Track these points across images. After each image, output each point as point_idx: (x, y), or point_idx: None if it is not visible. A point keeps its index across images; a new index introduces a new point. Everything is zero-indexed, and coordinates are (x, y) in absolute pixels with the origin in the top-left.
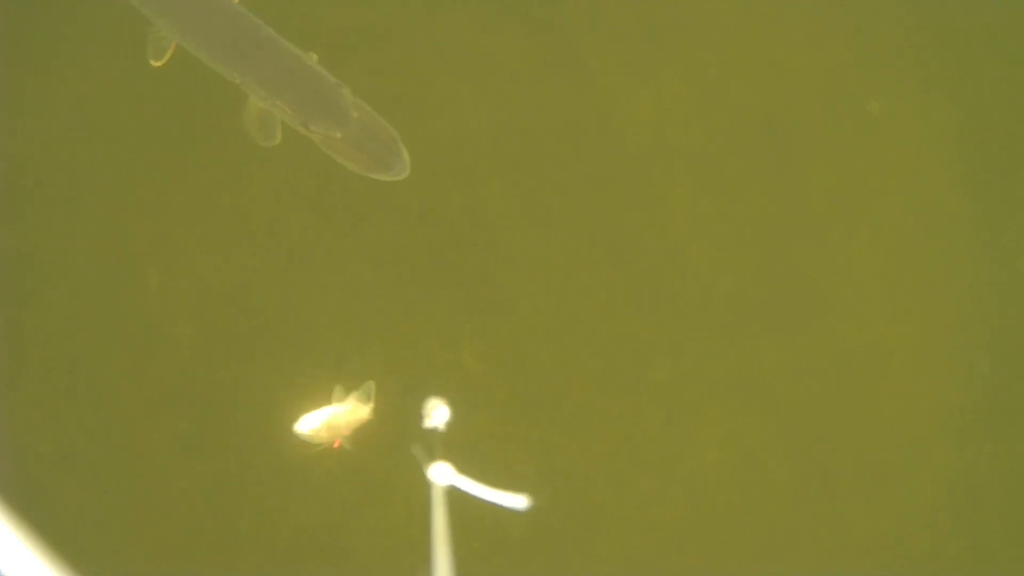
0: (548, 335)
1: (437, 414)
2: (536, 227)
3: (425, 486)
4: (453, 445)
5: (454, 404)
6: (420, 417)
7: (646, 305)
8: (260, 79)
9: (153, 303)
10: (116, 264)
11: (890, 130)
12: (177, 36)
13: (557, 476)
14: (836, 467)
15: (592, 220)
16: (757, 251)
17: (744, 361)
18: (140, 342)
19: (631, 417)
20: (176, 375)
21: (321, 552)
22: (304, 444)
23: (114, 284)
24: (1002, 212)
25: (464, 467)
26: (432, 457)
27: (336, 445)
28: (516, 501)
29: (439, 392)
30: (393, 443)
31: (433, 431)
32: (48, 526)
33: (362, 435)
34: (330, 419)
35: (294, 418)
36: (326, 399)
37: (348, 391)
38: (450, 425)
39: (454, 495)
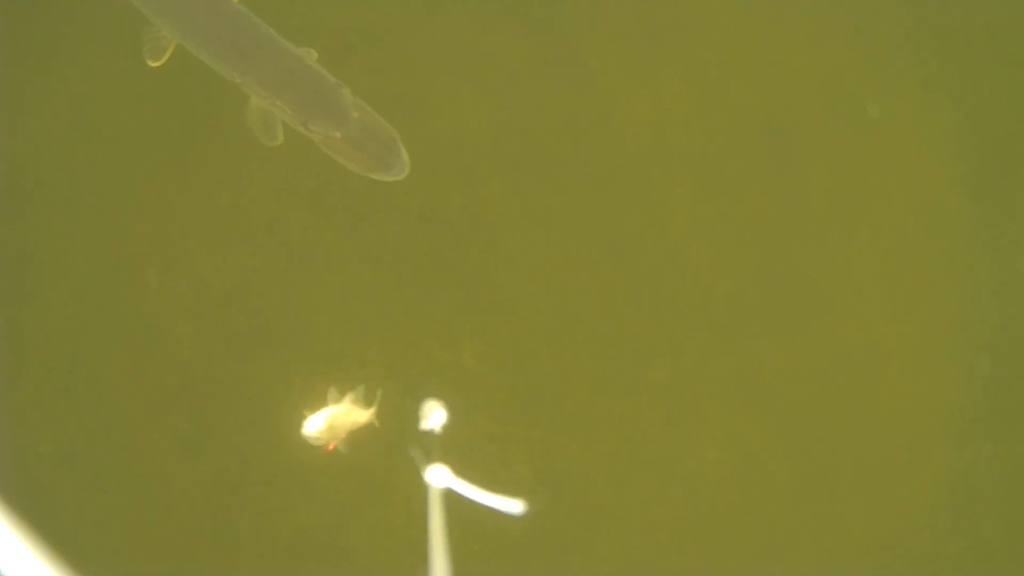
0: (548, 335)
1: (434, 416)
2: (536, 227)
3: (424, 486)
4: (453, 445)
5: (454, 404)
6: (419, 418)
7: (646, 305)
8: (260, 79)
9: (153, 303)
10: (116, 264)
11: (890, 130)
12: (177, 36)
13: (557, 476)
14: (836, 467)
15: (592, 220)
16: (757, 251)
17: (744, 361)
18: (140, 342)
19: (631, 417)
20: (176, 375)
21: (321, 552)
22: (305, 444)
23: (114, 284)
24: (1002, 212)
25: (464, 467)
26: (430, 459)
27: (331, 447)
28: (512, 505)
29: (439, 392)
30: (393, 443)
31: (430, 433)
32: (48, 526)
33: (361, 436)
34: (332, 420)
35: (294, 418)
36: (325, 400)
37: (343, 392)
38: (450, 425)
39: (453, 496)
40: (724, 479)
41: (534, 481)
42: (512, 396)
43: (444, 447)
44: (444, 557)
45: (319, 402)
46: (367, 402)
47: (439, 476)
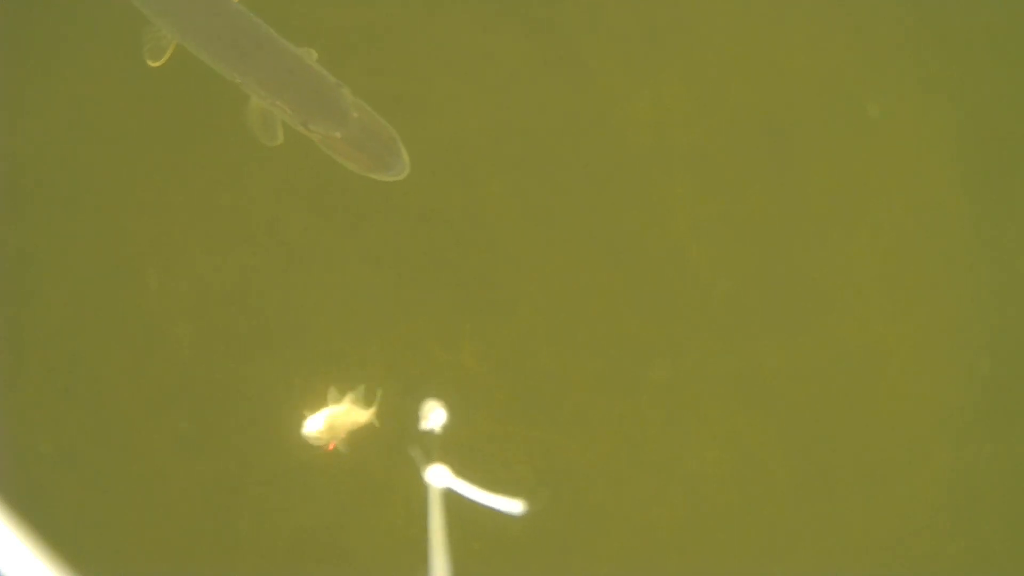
0: (548, 335)
1: (434, 416)
2: (536, 227)
3: (424, 486)
4: (453, 445)
5: (454, 404)
6: (419, 418)
7: (646, 305)
8: (260, 79)
9: (153, 303)
10: (116, 264)
11: (890, 130)
12: (177, 35)
13: (557, 476)
14: (836, 467)
15: (592, 220)
16: (757, 251)
17: (744, 361)
18: (140, 342)
19: (631, 417)
20: (176, 375)
21: (321, 552)
22: (305, 444)
23: (114, 284)
24: (1002, 212)
25: (464, 467)
26: (430, 459)
27: (331, 447)
28: (512, 505)
29: (439, 392)
30: (393, 443)
31: (430, 432)
32: (48, 526)
33: (361, 436)
34: (332, 420)
35: (294, 418)
36: (325, 400)
37: (343, 392)
38: (450, 425)
39: (453, 496)
40: (724, 479)
41: (534, 481)
42: (512, 396)
43: (444, 447)
44: (444, 557)
45: (319, 402)
46: (367, 402)
47: (439, 476)
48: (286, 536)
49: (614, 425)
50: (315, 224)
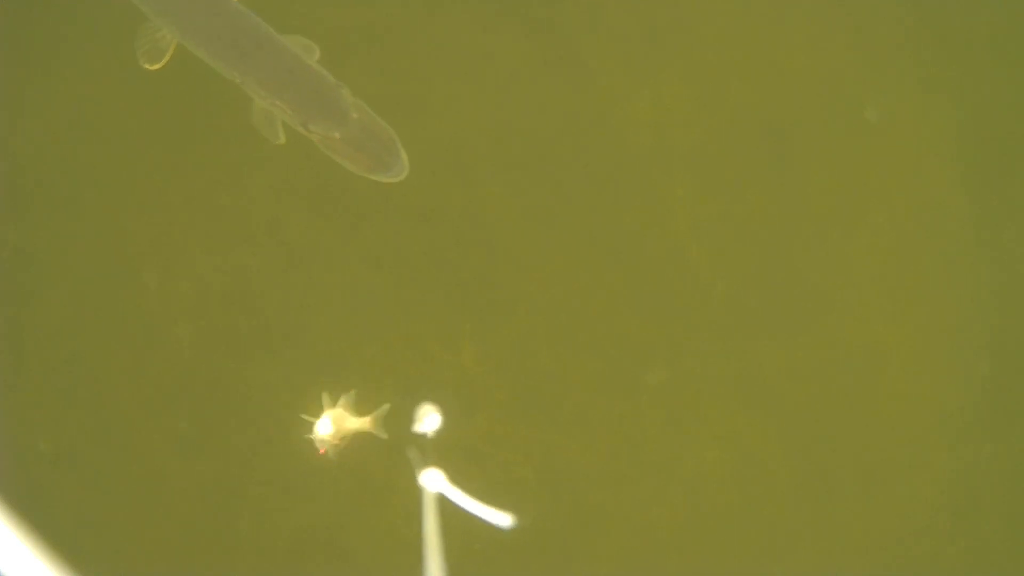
0: (548, 335)
1: (433, 416)
2: (536, 227)
3: (424, 487)
4: (452, 446)
5: (454, 404)
6: (419, 418)
7: (646, 305)
8: (260, 79)
9: (153, 303)
10: (116, 264)
11: (890, 131)
12: (177, 35)
13: (557, 476)
14: (836, 467)
15: (592, 220)
16: (757, 252)
17: (744, 361)
18: (140, 342)
19: (631, 418)
20: (176, 375)
21: (321, 552)
22: (305, 445)
23: (114, 284)
24: (1002, 212)
25: (464, 467)
26: (430, 459)
27: (322, 452)
28: (509, 508)
29: (439, 392)
30: (393, 444)
31: (430, 433)
32: (48, 526)
33: (360, 438)
34: (333, 422)
35: (294, 419)
36: (324, 401)
37: (341, 395)
38: (450, 425)
39: (452, 496)
40: (724, 479)
41: (534, 481)
42: (512, 396)
43: (444, 447)
44: (443, 557)
45: (318, 404)
46: (359, 409)
47: (438, 477)
48: (286, 536)
49: (614, 425)
50: (315, 224)
